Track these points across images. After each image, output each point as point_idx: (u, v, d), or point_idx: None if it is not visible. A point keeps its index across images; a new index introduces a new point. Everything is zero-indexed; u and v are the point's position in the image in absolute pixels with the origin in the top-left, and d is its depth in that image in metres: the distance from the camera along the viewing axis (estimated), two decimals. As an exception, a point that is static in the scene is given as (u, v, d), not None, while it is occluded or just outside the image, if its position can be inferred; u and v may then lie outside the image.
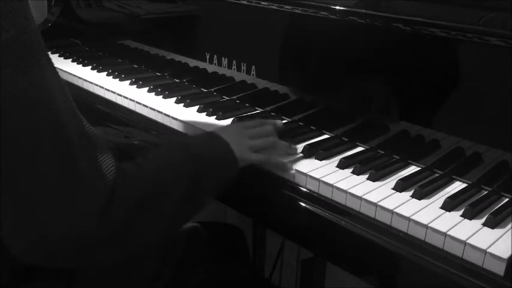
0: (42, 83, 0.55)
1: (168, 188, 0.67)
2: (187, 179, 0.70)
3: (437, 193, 0.76)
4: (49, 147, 0.56)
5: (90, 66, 1.39)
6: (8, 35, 0.52)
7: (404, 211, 0.70)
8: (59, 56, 1.50)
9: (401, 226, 0.69)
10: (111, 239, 0.62)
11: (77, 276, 0.78)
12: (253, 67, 1.10)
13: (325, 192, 0.78)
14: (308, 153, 0.87)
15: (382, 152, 0.89)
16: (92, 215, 0.58)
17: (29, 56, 0.54)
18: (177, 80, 1.30)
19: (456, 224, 0.67)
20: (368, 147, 0.92)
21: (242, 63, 1.12)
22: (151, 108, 1.09)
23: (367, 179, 0.79)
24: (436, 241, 0.66)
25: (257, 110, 1.10)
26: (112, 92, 1.20)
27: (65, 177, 0.57)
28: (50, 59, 0.58)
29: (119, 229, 0.62)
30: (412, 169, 0.84)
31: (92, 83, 1.27)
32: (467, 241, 0.63)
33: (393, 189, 0.76)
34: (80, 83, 1.30)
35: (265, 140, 0.85)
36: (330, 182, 0.77)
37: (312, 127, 0.99)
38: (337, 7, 0.92)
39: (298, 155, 0.87)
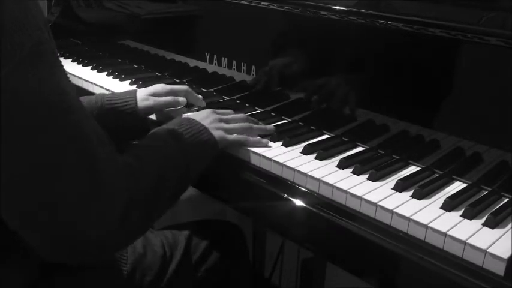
0: (53, 86, 0.56)
1: (166, 174, 0.71)
2: (181, 167, 0.74)
3: (437, 193, 0.76)
4: (69, 147, 0.57)
5: (90, 66, 1.39)
6: (23, 53, 0.52)
7: (405, 211, 0.70)
8: (59, 56, 1.50)
9: (401, 226, 0.69)
10: (128, 234, 0.66)
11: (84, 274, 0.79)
12: (253, 67, 1.10)
13: (325, 192, 0.78)
14: (308, 153, 0.87)
15: (382, 152, 0.89)
16: (115, 214, 0.61)
17: (41, 63, 0.55)
18: (177, 80, 1.29)
19: (456, 224, 0.67)
20: (368, 147, 0.92)
21: (242, 63, 1.12)
22: (151, 108, 1.09)
23: (367, 179, 0.79)
24: (436, 241, 0.66)
25: (257, 110, 1.10)
26: (112, 92, 1.20)
27: (87, 178, 0.58)
28: (61, 64, 0.59)
29: (135, 223, 0.65)
30: (412, 169, 0.84)
31: (92, 83, 1.27)
32: (467, 241, 0.63)
33: (393, 189, 0.76)
34: (80, 83, 1.30)
35: (241, 124, 0.89)
36: (330, 182, 0.77)
37: (312, 127, 0.99)
38: (337, 7, 0.92)
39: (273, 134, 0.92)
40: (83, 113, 0.60)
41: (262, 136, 0.91)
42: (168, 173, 0.72)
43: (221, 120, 0.88)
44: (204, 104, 1.07)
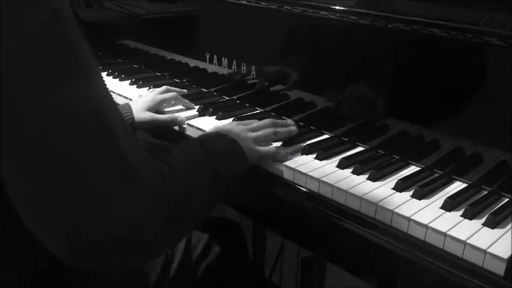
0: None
1: (197, 185, 0.68)
2: (210, 177, 0.71)
3: (437, 193, 0.76)
4: (95, 138, 0.53)
5: (90, 66, 1.39)
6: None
7: (405, 211, 0.70)
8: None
9: (402, 226, 0.69)
10: (155, 238, 0.61)
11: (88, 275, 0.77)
12: (253, 67, 1.10)
13: (325, 192, 0.78)
14: (308, 153, 0.87)
15: (382, 152, 0.89)
16: (141, 214, 0.56)
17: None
18: (177, 80, 1.30)
19: (456, 224, 0.67)
20: (368, 147, 0.92)
21: (242, 63, 1.12)
22: (151, 108, 1.09)
23: (367, 179, 0.79)
24: (436, 241, 0.66)
25: (257, 110, 1.10)
26: (112, 92, 1.20)
27: (116, 173, 0.54)
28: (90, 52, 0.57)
29: (162, 228, 0.61)
30: (412, 169, 0.84)
31: (92, 83, 1.27)
32: (467, 241, 0.63)
33: (393, 189, 0.77)
34: (80, 83, 1.30)
35: (265, 131, 0.87)
36: (330, 182, 0.77)
37: (312, 127, 0.99)
38: (337, 7, 0.92)
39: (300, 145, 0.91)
40: (109, 101, 0.57)
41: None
42: (199, 183, 0.68)
43: (248, 129, 0.85)
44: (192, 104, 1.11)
